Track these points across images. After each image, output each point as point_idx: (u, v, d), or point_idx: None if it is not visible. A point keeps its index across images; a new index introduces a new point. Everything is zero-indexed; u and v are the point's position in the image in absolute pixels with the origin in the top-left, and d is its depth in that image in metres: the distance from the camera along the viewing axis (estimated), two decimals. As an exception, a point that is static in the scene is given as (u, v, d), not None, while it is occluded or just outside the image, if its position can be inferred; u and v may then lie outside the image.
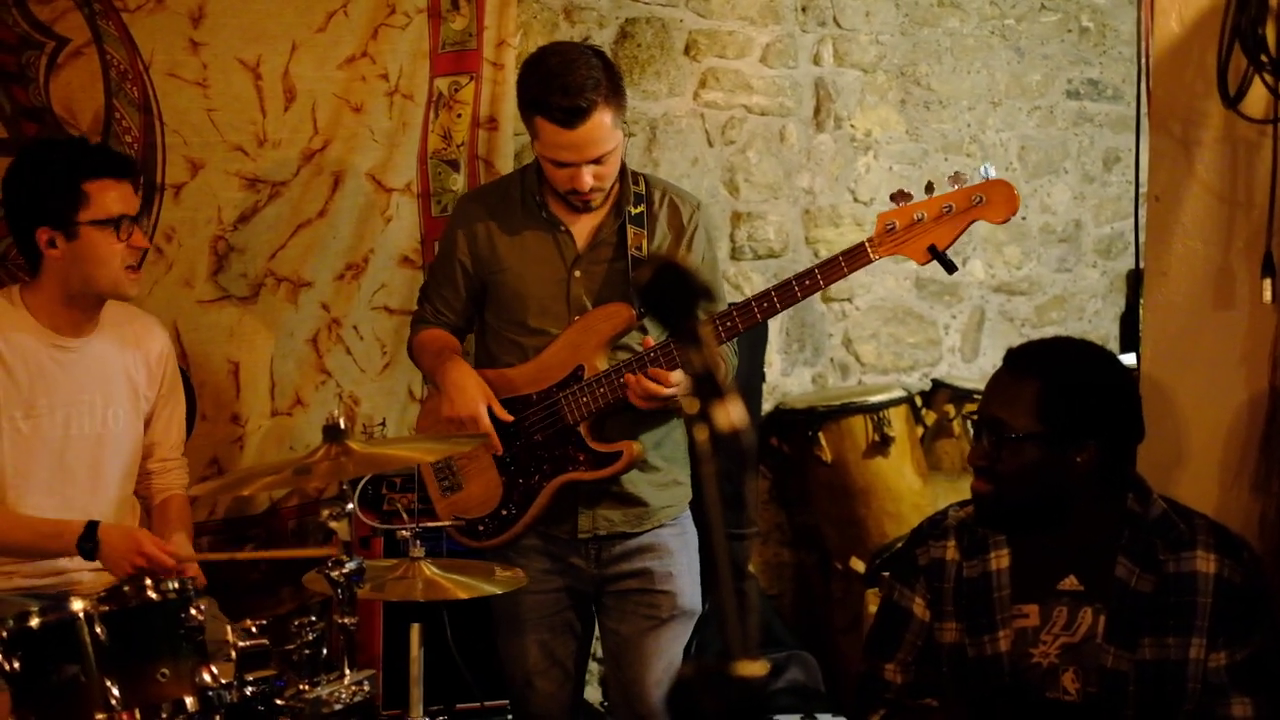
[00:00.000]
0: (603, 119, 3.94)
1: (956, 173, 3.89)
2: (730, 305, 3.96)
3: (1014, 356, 3.38)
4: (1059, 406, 3.25)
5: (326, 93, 4.97)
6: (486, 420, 4.04)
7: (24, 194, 4.02)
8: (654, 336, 4.00)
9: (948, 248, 3.89)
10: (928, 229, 3.88)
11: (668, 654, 4.22)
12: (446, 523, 4.17)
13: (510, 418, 4.08)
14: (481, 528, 4.20)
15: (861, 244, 3.91)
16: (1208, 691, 3.22)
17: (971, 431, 5.88)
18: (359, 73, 5.00)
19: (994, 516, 3.37)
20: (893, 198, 3.91)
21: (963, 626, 3.37)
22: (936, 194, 3.88)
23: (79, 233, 3.96)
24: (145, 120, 4.72)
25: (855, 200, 6.11)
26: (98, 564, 4.06)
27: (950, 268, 3.92)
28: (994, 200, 3.86)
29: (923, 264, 3.95)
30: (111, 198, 3.99)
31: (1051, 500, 3.30)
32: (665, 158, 5.76)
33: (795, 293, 3.92)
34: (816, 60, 6.00)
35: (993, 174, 3.88)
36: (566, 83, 3.90)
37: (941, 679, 3.42)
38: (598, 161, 3.99)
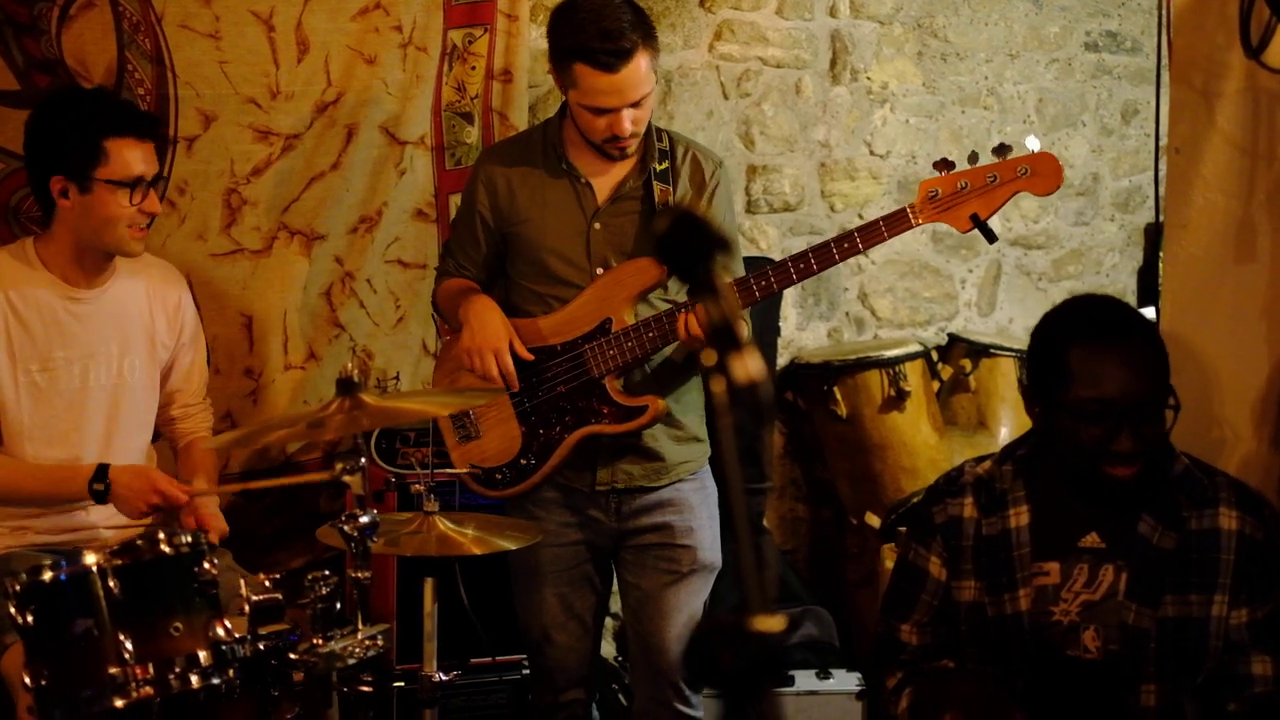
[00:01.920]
0: (641, 61, 3.93)
1: (1002, 144, 3.87)
2: (767, 266, 3.95)
3: (1116, 329, 3.27)
4: (1165, 365, 3.25)
5: (340, 45, 4.94)
6: (507, 355, 4.03)
7: (45, 141, 4.00)
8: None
9: (989, 217, 3.88)
10: (971, 198, 3.88)
11: (688, 608, 4.22)
12: (463, 470, 4.16)
13: (530, 356, 4.06)
14: (499, 476, 4.19)
15: (903, 209, 3.91)
16: (1228, 649, 3.21)
17: (978, 385, 5.84)
18: (372, 24, 4.97)
19: (1137, 494, 3.28)
20: (936, 165, 3.90)
21: (982, 585, 3.35)
22: (981, 163, 3.88)
23: (92, 188, 3.94)
24: (158, 72, 4.70)
25: (871, 153, 6.06)
26: (112, 520, 4.07)
27: (991, 237, 3.91)
28: (1039, 172, 3.88)
29: (964, 232, 3.94)
30: (130, 157, 3.97)
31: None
32: (680, 110, 5.73)
33: (833, 255, 3.92)
34: (833, 12, 5.94)
35: (1038, 146, 3.87)
36: (605, 27, 3.89)
37: (958, 638, 3.40)
38: (635, 105, 3.97)
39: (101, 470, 3.93)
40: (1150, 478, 3.26)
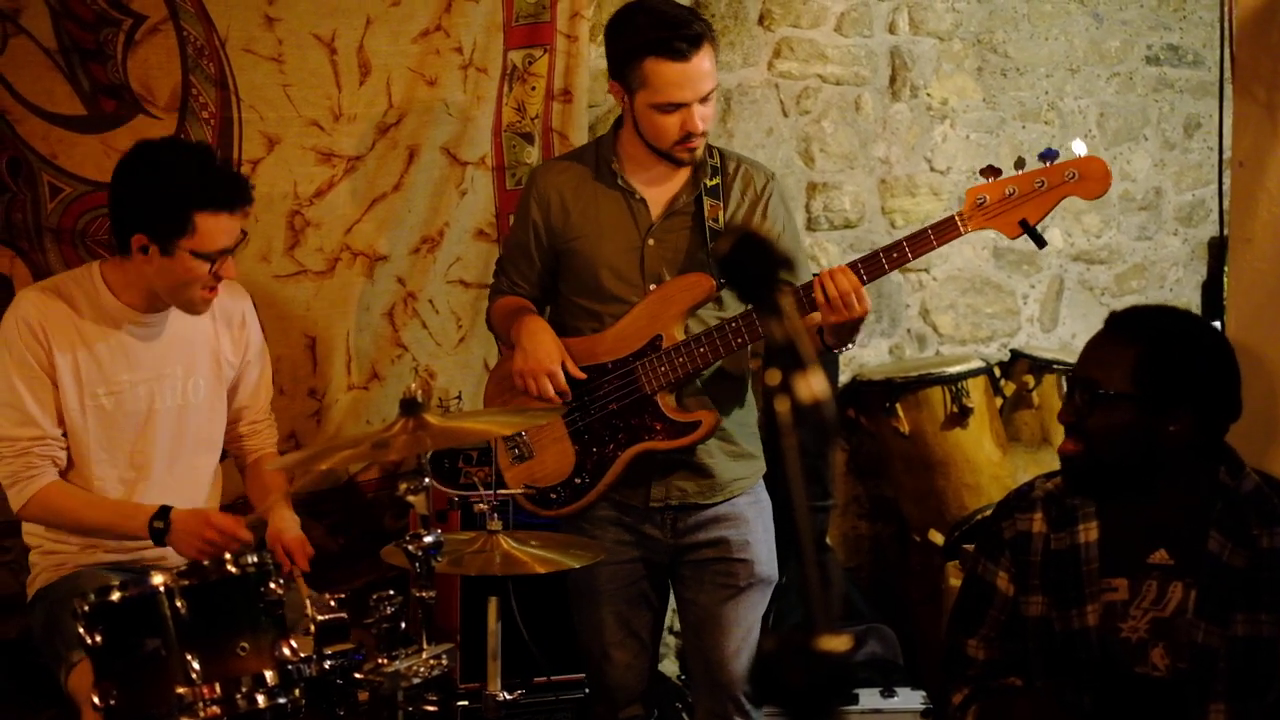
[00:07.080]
0: (709, 53, 3.97)
1: (1049, 149, 3.86)
2: (817, 277, 3.93)
3: (1116, 319, 3.33)
4: (1155, 372, 3.21)
5: (401, 67, 4.97)
6: (560, 376, 4.04)
7: (134, 200, 3.92)
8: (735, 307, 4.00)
9: (1039, 223, 3.87)
10: (1019, 204, 3.86)
11: (746, 622, 4.22)
12: (517, 491, 4.16)
13: (583, 375, 4.08)
14: (554, 496, 4.19)
15: (951, 217, 3.89)
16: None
17: (1041, 400, 5.82)
18: (433, 46, 5.00)
19: (1080, 477, 3.32)
20: (983, 173, 3.89)
21: (1050, 600, 3.32)
22: (1028, 169, 3.87)
23: (175, 253, 3.87)
24: (222, 96, 4.74)
25: (932, 170, 6.05)
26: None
27: (1041, 243, 3.90)
28: (1087, 176, 3.86)
29: (1013, 238, 3.93)
30: (218, 231, 3.88)
31: (1140, 466, 3.25)
32: (740, 128, 5.73)
33: (883, 265, 3.91)
34: (892, 29, 5.94)
35: (1084, 150, 3.85)
36: (671, 18, 3.95)
37: (1025, 654, 3.38)
38: (703, 102, 3.98)
39: (164, 510, 3.92)
40: (1102, 480, 3.31)
